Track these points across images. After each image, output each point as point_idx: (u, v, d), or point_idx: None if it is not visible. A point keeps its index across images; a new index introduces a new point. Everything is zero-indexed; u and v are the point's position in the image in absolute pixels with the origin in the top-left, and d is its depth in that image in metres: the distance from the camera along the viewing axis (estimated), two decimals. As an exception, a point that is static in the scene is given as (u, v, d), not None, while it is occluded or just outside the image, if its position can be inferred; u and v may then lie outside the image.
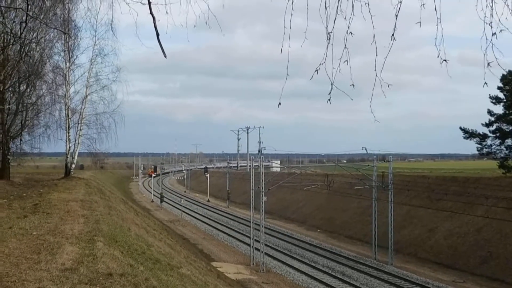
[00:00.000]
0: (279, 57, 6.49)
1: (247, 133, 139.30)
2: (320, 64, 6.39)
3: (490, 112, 59.91)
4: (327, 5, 6.36)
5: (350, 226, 59.61)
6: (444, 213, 48.21)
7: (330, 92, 6.45)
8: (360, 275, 39.35)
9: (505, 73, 58.37)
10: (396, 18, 6.30)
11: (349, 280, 37.56)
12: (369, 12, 6.26)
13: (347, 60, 6.38)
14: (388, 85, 6.45)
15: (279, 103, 6.93)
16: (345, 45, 6.38)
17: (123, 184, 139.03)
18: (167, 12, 7.67)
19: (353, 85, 6.55)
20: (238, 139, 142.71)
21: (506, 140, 59.44)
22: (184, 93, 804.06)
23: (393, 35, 6.30)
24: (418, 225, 50.88)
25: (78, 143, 52.13)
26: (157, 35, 6.84)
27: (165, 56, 7.03)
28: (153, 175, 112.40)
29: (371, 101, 6.74)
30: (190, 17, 7.70)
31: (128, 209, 40.49)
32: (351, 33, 6.35)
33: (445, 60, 6.32)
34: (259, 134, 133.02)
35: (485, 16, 6.07)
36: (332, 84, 6.40)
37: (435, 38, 6.26)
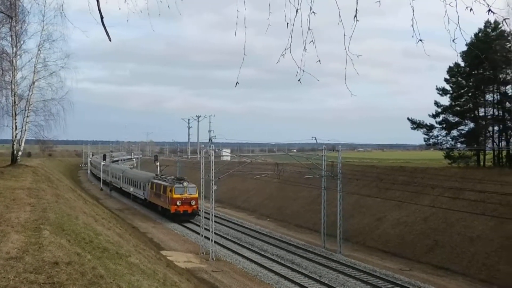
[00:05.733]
0: (228, 46, 6.50)
1: (198, 121, 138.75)
2: (285, 49, 6.40)
3: (437, 104, 61.21)
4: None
5: (300, 215, 60.06)
6: (392, 203, 49.00)
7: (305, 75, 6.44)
8: (309, 263, 39.71)
9: (451, 65, 59.73)
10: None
11: (298, 268, 37.85)
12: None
13: (312, 41, 6.38)
14: (358, 55, 6.51)
15: (237, 82, 6.93)
16: (309, 27, 6.38)
17: (72, 172, 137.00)
18: (125, 1, 7.53)
19: (319, 61, 6.59)
20: (189, 128, 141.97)
21: (452, 131, 60.84)
22: (135, 81, 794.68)
23: (355, 16, 6.29)
24: (366, 214, 51.59)
25: (25, 130, 51.16)
26: (101, 18, 6.70)
27: (110, 40, 6.91)
28: None
29: (345, 80, 6.81)
30: (139, 4, 7.57)
31: (77, 198, 39.95)
32: (313, 12, 6.34)
33: (420, 40, 6.35)
34: (210, 123, 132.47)
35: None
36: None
37: (411, 19, 6.27)
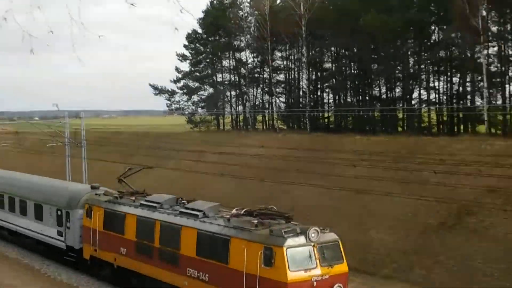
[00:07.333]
0: None
1: None
2: (6, 11, 6.20)
3: (177, 69, 63.21)
4: None
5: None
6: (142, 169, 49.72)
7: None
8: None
9: (190, 32, 61.97)
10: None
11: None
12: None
13: (39, 7, 6.33)
14: (100, 36, 6.82)
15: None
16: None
17: None
18: None
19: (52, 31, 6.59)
20: None
21: (193, 97, 63.46)
22: None
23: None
24: (113, 180, 51.79)
25: None
26: None
27: None
28: None
29: (73, 46, 7.02)
30: None
31: None
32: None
33: (132, 4, 6.68)
34: None
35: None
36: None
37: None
